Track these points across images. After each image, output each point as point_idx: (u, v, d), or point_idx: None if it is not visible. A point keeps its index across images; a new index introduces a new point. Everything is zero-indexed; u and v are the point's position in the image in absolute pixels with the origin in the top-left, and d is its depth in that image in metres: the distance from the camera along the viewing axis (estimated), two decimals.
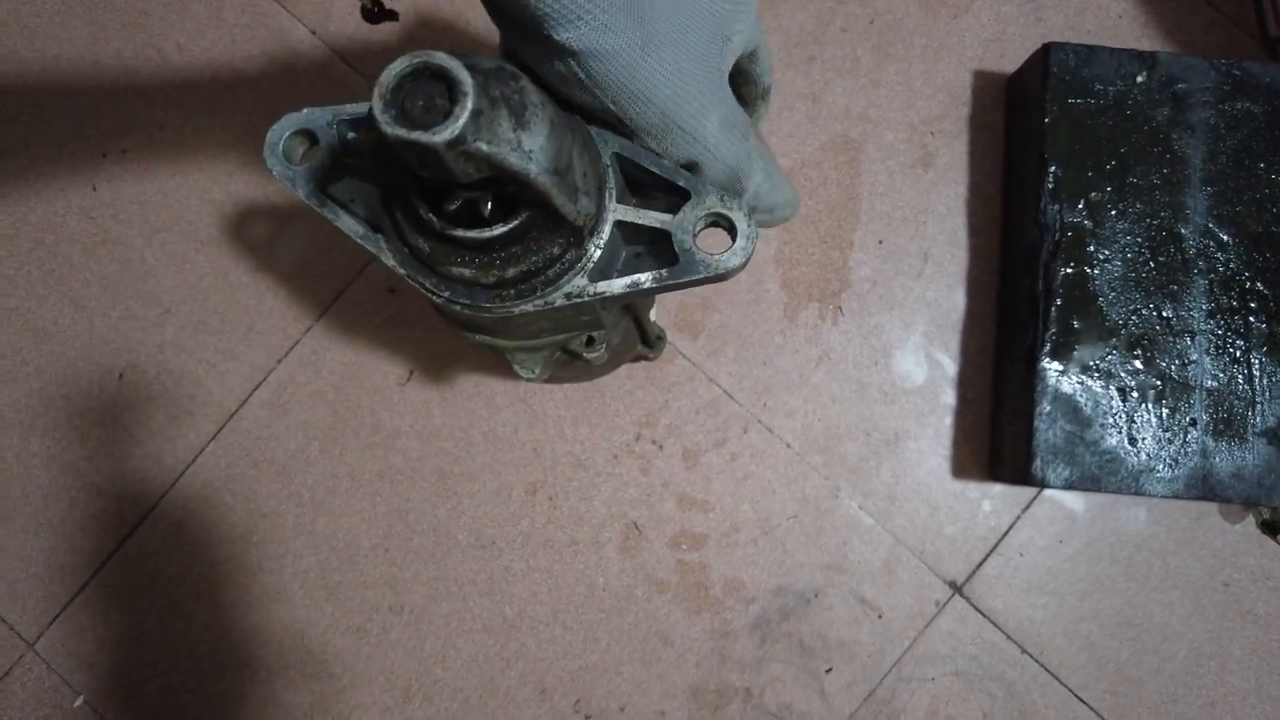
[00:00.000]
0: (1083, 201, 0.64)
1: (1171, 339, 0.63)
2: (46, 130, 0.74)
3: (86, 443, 0.71)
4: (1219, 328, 0.63)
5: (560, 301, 0.40)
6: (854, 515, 0.69)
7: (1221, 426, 0.62)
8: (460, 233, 0.36)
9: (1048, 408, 0.62)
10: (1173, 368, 0.62)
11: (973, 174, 0.72)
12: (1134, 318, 0.63)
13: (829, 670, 0.68)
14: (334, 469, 0.70)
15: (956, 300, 0.71)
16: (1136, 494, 0.61)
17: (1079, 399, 0.62)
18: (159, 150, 0.74)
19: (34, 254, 0.73)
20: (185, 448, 0.71)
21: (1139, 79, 0.65)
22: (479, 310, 0.40)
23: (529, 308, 0.40)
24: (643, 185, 0.42)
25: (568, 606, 0.69)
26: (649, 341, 0.64)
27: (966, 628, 0.68)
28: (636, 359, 0.69)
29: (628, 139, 0.39)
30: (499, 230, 0.36)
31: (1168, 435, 0.62)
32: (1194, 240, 0.63)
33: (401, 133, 0.30)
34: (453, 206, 0.36)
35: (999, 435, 0.68)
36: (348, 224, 0.41)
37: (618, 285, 0.40)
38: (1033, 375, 0.62)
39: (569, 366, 0.54)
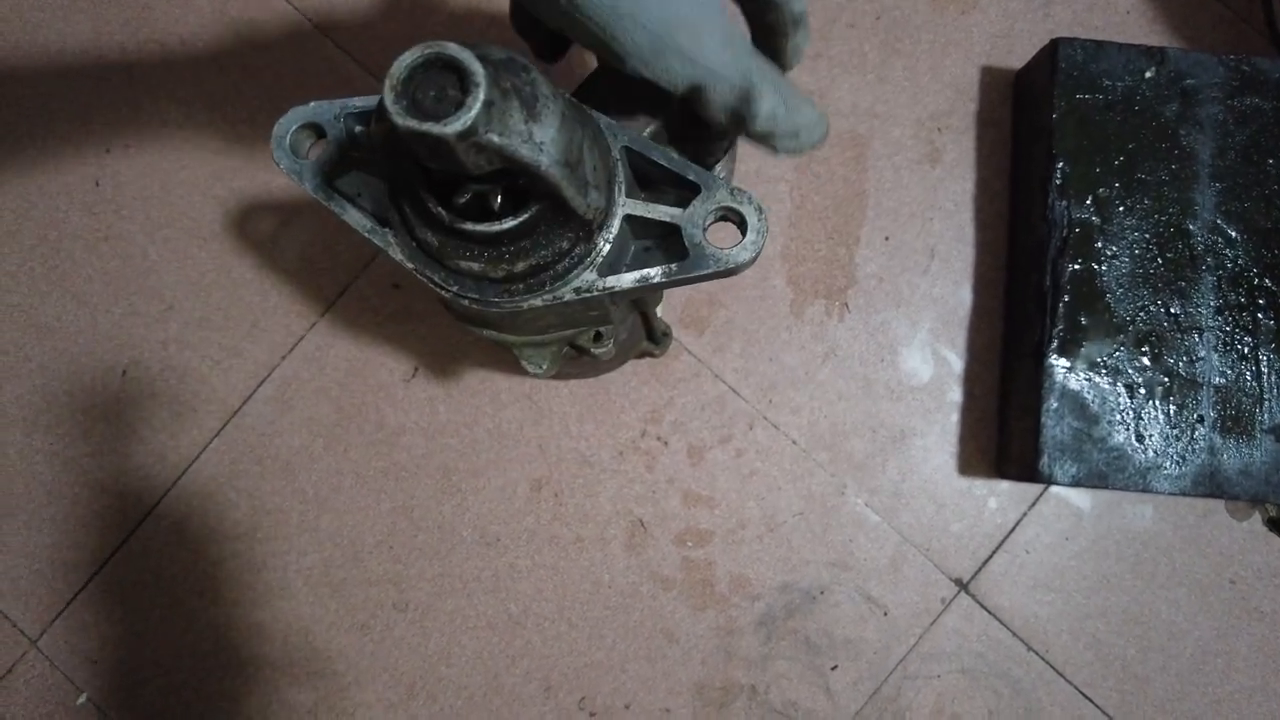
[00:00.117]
0: (1091, 197, 0.63)
1: (1179, 335, 0.62)
2: (50, 125, 0.74)
3: (90, 439, 0.71)
4: (1227, 324, 0.62)
5: (569, 296, 0.40)
6: (860, 512, 0.69)
7: (1229, 423, 0.62)
8: (469, 226, 0.36)
9: (1055, 404, 0.62)
10: (1180, 364, 0.62)
11: (980, 170, 0.72)
12: (1142, 314, 0.63)
13: (834, 667, 0.68)
14: (338, 466, 0.70)
15: (963, 297, 0.71)
16: (1144, 491, 0.61)
17: (1086, 396, 0.62)
18: (162, 145, 0.73)
19: (37, 250, 0.72)
20: (189, 444, 0.71)
21: (1147, 74, 0.64)
22: (487, 305, 0.40)
23: (538, 302, 0.40)
24: (652, 179, 0.42)
25: (573, 603, 0.68)
26: (655, 337, 0.64)
27: (972, 625, 0.68)
28: (642, 355, 0.69)
29: (622, 65, 0.37)
30: (508, 224, 0.36)
31: (1175, 432, 0.62)
32: (1202, 236, 0.63)
33: (413, 124, 0.30)
34: (462, 200, 0.36)
35: (1006, 432, 0.68)
36: (355, 218, 0.41)
37: (627, 280, 0.40)
38: (1040, 372, 0.62)
39: (575, 362, 0.54)
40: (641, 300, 0.55)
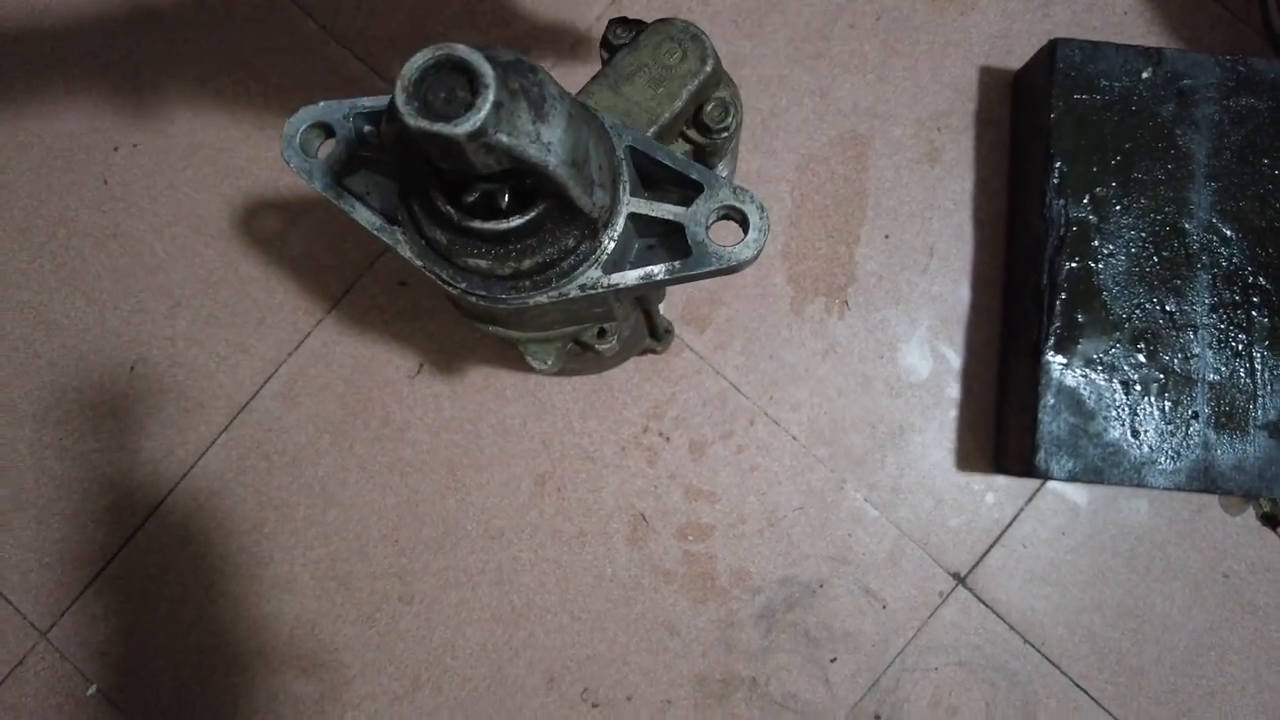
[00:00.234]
0: (1088, 197, 0.64)
1: (1174, 333, 0.63)
2: (59, 125, 0.74)
3: (99, 434, 0.72)
4: (1221, 322, 0.63)
5: (574, 293, 0.40)
6: (859, 507, 0.70)
7: (1223, 419, 0.62)
8: (478, 224, 0.37)
9: (1052, 401, 0.63)
10: (1175, 361, 0.63)
11: (979, 169, 0.73)
12: (1137, 312, 0.63)
13: (834, 660, 0.69)
14: (344, 461, 0.71)
15: (962, 295, 0.72)
16: (1139, 486, 0.62)
17: (1083, 392, 0.63)
18: (169, 144, 0.74)
19: (46, 248, 0.73)
20: (196, 440, 0.71)
21: (1144, 75, 0.65)
22: (495, 301, 0.41)
23: (544, 299, 0.40)
24: (655, 179, 0.43)
25: (576, 596, 0.69)
26: (657, 334, 0.65)
27: (970, 618, 0.69)
28: (644, 352, 0.70)
29: None
30: (516, 222, 0.37)
31: (1170, 428, 0.62)
32: (1198, 235, 0.64)
33: (424, 124, 0.30)
34: (470, 198, 0.37)
35: (1003, 428, 0.69)
36: (364, 216, 0.42)
37: (631, 277, 0.41)
38: (1037, 368, 0.63)
39: (579, 358, 0.55)
40: (645, 297, 0.55)
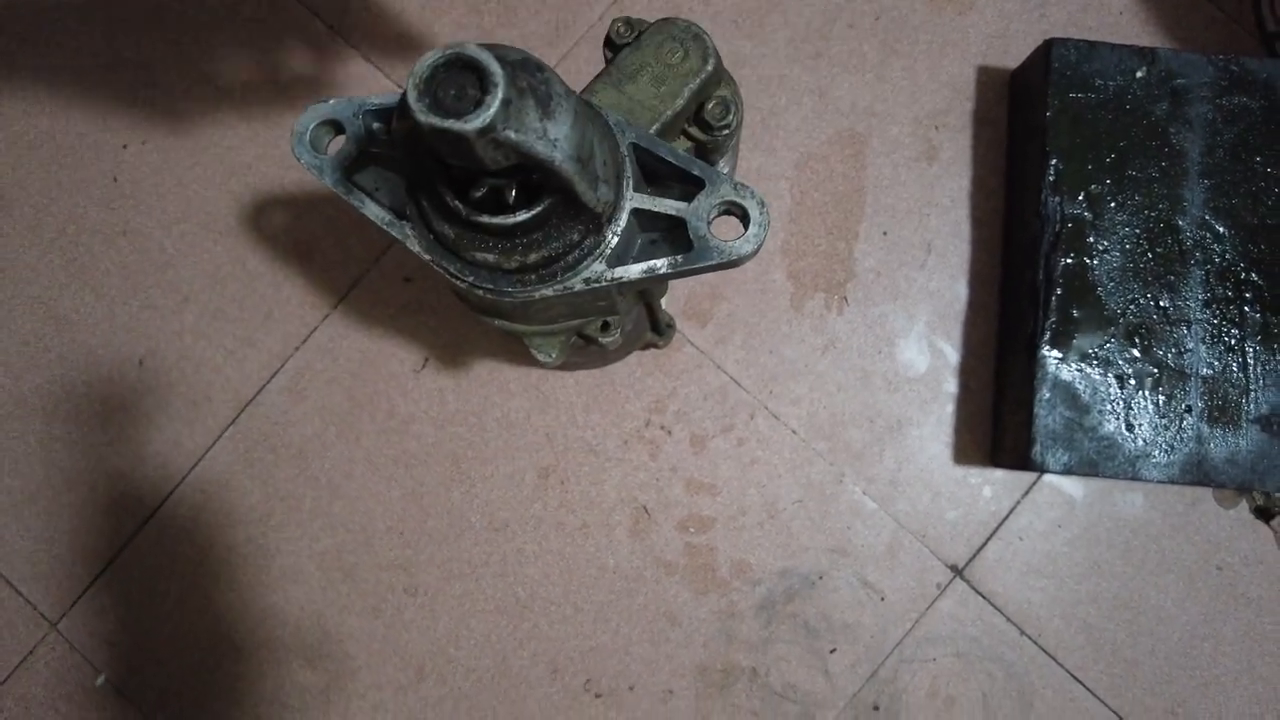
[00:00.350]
0: (1083, 194, 0.65)
1: (1168, 328, 0.64)
2: (68, 123, 0.75)
3: (108, 428, 0.73)
4: (1215, 317, 0.64)
5: (579, 286, 0.41)
6: (858, 500, 0.71)
7: (1216, 413, 0.63)
8: (485, 219, 0.38)
9: (1047, 395, 0.63)
10: (1169, 356, 0.64)
11: (976, 167, 0.74)
12: (1132, 307, 0.64)
13: (833, 651, 0.70)
14: (350, 454, 0.72)
15: (959, 291, 0.73)
16: (1133, 479, 0.63)
17: (1078, 386, 0.64)
18: (178, 142, 0.75)
19: (56, 244, 0.74)
20: (204, 433, 0.72)
21: (1139, 74, 0.66)
22: (501, 295, 0.41)
23: (549, 292, 0.41)
24: (658, 175, 0.44)
25: (579, 588, 0.70)
26: (659, 329, 0.66)
27: (967, 610, 0.70)
28: (646, 347, 0.71)
29: None
30: (522, 216, 0.38)
31: (1164, 421, 0.63)
32: (1191, 232, 0.65)
33: (435, 120, 0.31)
34: (478, 194, 0.38)
35: (1000, 422, 0.70)
36: (374, 211, 0.43)
37: (634, 270, 0.42)
38: (1033, 363, 0.64)
39: (583, 352, 0.56)
40: (647, 291, 0.56)
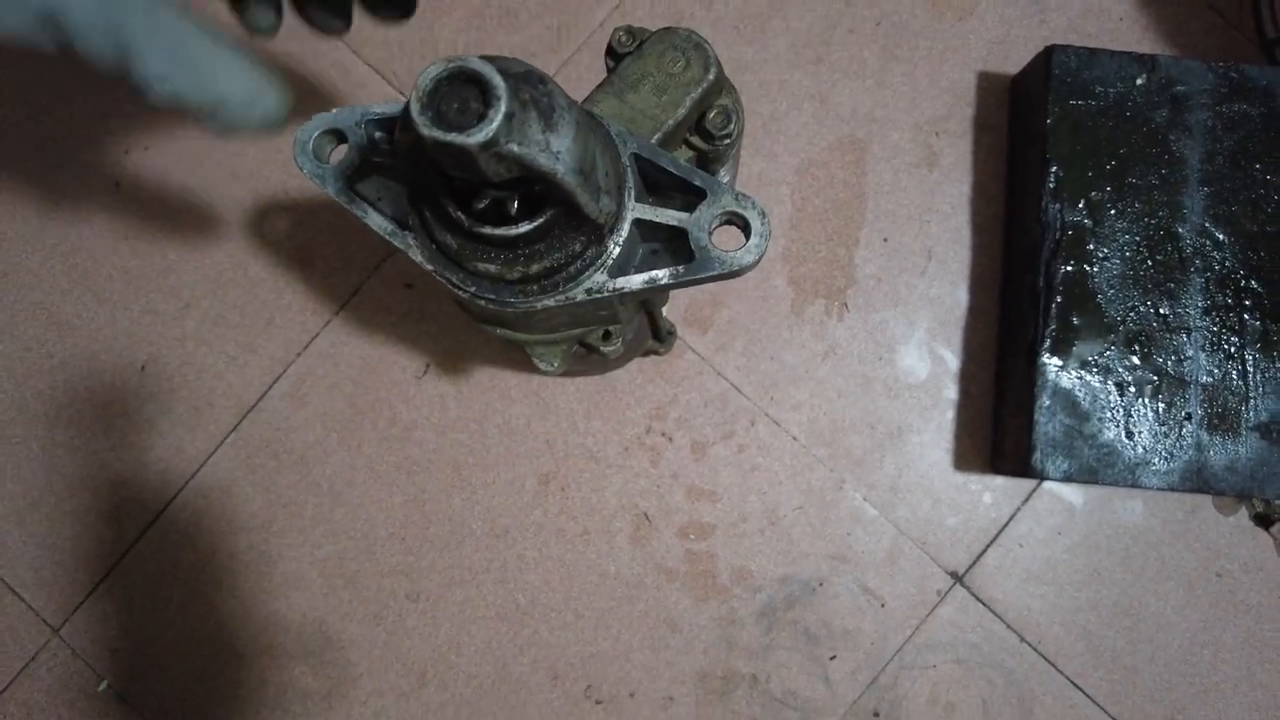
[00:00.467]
0: (1083, 201, 0.65)
1: (1168, 335, 0.64)
2: (70, 128, 0.76)
3: (110, 433, 0.73)
4: (1214, 324, 0.64)
5: (581, 296, 0.42)
6: (858, 506, 0.71)
7: (1216, 421, 0.64)
8: (488, 230, 0.38)
9: (1047, 402, 0.64)
10: (1169, 363, 0.64)
11: (976, 173, 0.74)
12: (1132, 314, 0.65)
13: (833, 657, 0.70)
14: (352, 460, 0.72)
15: (959, 297, 0.73)
16: (1133, 486, 0.63)
17: (1078, 393, 0.64)
18: (180, 148, 0.75)
19: (58, 249, 0.74)
20: (206, 439, 0.73)
21: (1139, 81, 0.66)
22: (503, 305, 0.42)
23: (551, 302, 0.42)
24: (659, 185, 0.44)
25: (579, 594, 0.70)
26: (660, 336, 0.66)
27: (967, 617, 0.70)
28: (647, 353, 0.71)
29: None
30: (525, 228, 0.38)
31: (1164, 429, 0.63)
32: (1191, 239, 0.65)
33: (438, 134, 0.32)
34: (481, 205, 0.38)
35: (1000, 429, 0.70)
36: (376, 221, 0.43)
37: (636, 281, 0.42)
38: (1033, 370, 0.64)
39: (584, 360, 0.56)
40: (649, 300, 0.57)
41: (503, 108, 0.31)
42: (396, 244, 0.42)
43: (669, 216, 0.42)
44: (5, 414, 0.73)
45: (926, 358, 0.72)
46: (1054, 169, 0.65)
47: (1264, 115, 0.66)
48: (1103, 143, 0.66)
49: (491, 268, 0.40)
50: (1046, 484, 0.71)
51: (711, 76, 0.47)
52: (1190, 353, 0.64)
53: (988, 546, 0.71)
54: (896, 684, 0.69)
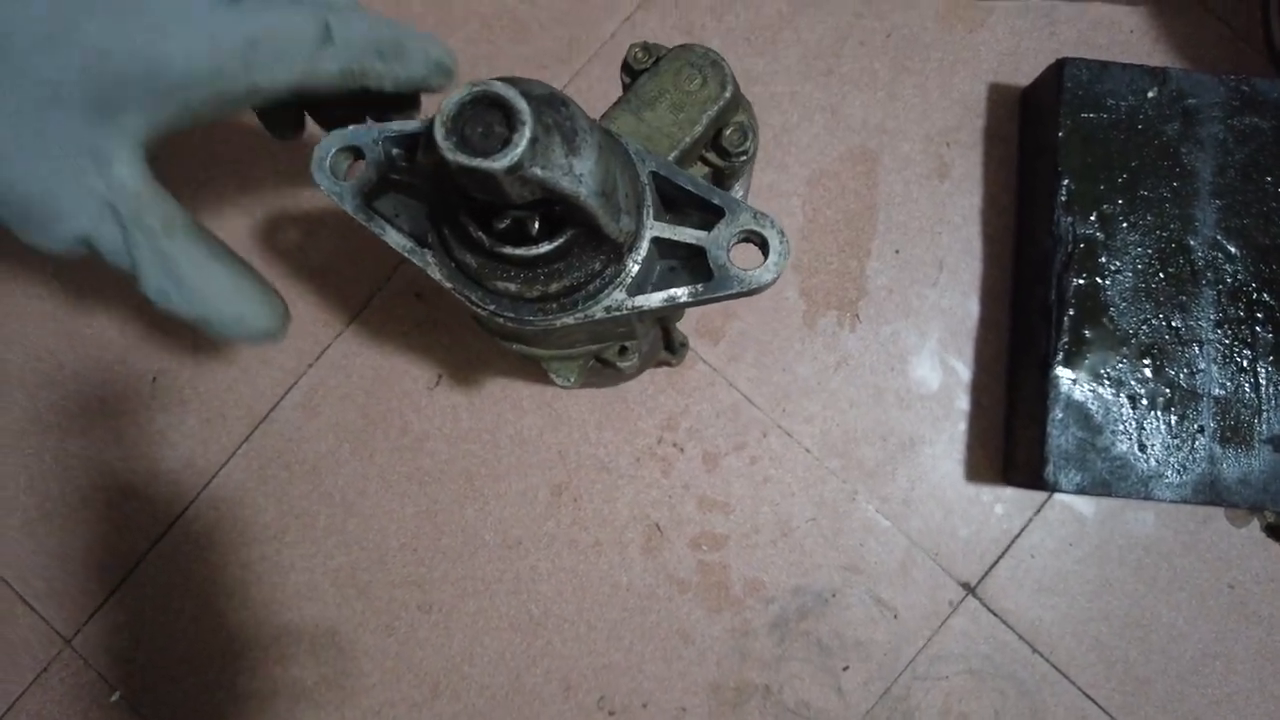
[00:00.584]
0: (1095, 214, 0.65)
1: (1180, 348, 0.64)
2: None
3: (121, 444, 0.73)
4: (1226, 337, 0.64)
5: (600, 314, 0.42)
6: (871, 518, 0.71)
7: (1228, 434, 0.64)
8: (508, 250, 0.38)
9: (1060, 414, 0.64)
10: (1181, 376, 0.64)
11: (987, 185, 0.74)
12: (1144, 327, 0.65)
13: (846, 668, 0.70)
14: (364, 471, 0.72)
15: (971, 308, 0.73)
16: (1146, 499, 0.63)
17: (1090, 406, 0.64)
18: (189, 158, 0.75)
19: (69, 258, 0.74)
20: (218, 449, 0.73)
21: (1150, 94, 0.66)
22: (522, 323, 0.42)
23: (570, 320, 0.42)
24: (676, 202, 0.44)
25: (592, 605, 0.70)
26: (672, 348, 0.66)
27: (979, 627, 0.70)
28: (659, 364, 0.71)
29: None
30: (545, 248, 0.38)
31: (1176, 442, 0.64)
32: (1203, 252, 0.65)
33: (463, 159, 0.32)
34: (502, 225, 0.38)
35: (1012, 440, 0.70)
36: (395, 238, 0.43)
37: (655, 299, 0.42)
38: (1046, 382, 0.64)
39: (598, 373, 0.56)
40: (666, 316, 0.57)
41: (527, 132, 0.32)
42: (415, 261, 0.42)
43: (687, 235, 0.42)
44: (17, 425, 0.73)
45: (938, 369, 0.72)
46: (1066, 182, 0.66)
47: (1275, 128, 0.66)
48: (1114, 155, 0.66)
49: (511, 286, 0.40)
50: (1058, 495, 0.71)
51: (728, 94, 0.47)
52: (1203, 365, 0.64)
53: (1000, 557, 0.71)
54: (909, 695, 0.70)
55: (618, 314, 0.42)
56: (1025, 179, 0.73)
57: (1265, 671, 0.69)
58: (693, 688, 0.70)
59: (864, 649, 0.70)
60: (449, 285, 0.42)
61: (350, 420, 0.72)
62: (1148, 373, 0.64)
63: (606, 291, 0.41)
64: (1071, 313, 0.64)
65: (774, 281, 0.42)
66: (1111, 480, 0.63)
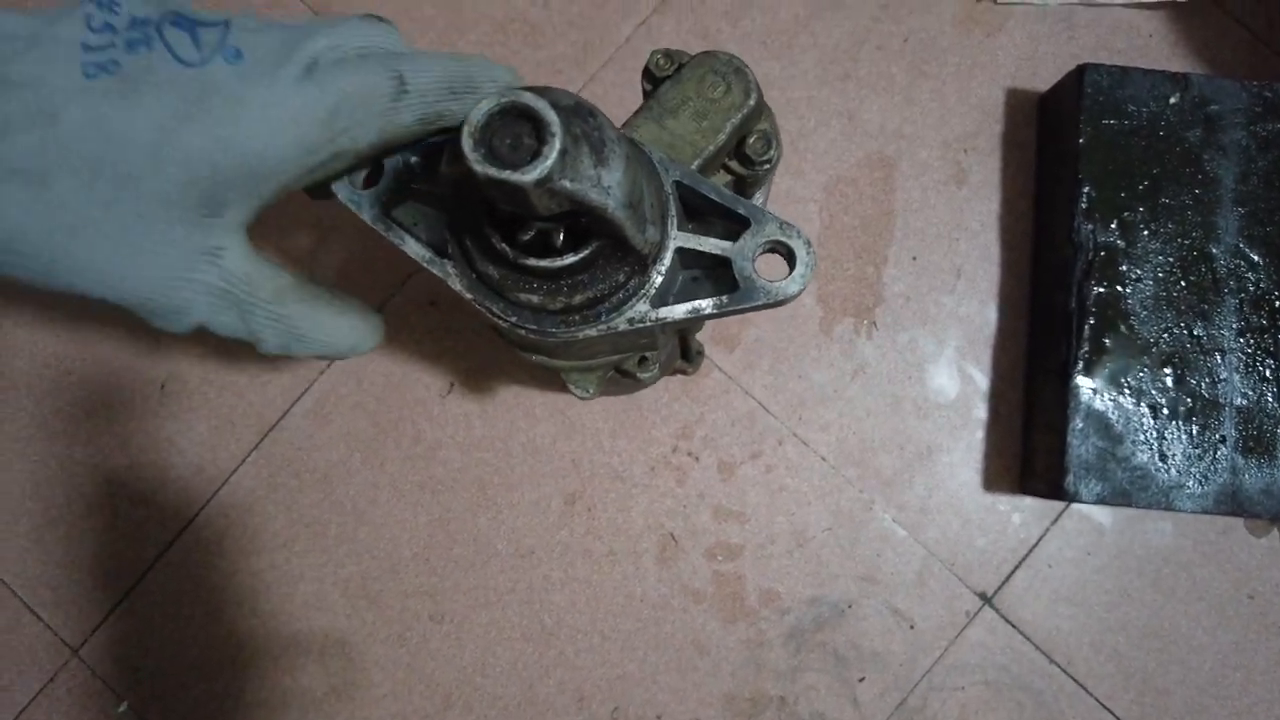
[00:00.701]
0: (1116, 221, 0.65)
1: (1202, 357, 0.64)
2: None
3: (130, 452, 0.72)
4: (1249, 346, 0.64)
5: (623, 326, 0.41)
6: (887, 527, 0.70)
7: (1250, 444, 0.63)
8: (532, 262, 0.37)
9: (1080, 424, 0.63)
10: (1203, 385, 0.63)
11: (1005, 191, 0.73)
12: (1165, 336, 0.64)
13: (862, 679, 0.69)
14: (375, 479, 0.71)
15: (989, 315, 0.72)
16: (1167, 509, 0.63)
17: (1111, 415, 0.63)
18: None
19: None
20: (227, 457, 0.72)
21: (1172, 100, 0.66)
22: (545, 335, 0.41)
23: (593, 332, 0.41)
24: (700, 211, 0.43)
25: (606, 616, 0.70)
26: (689, 356, 0.65)
27: (996, 638, 0.69)
28: (674, 372, 0.70)
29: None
30: (570, 260, 0.38)
31: (1198, 452, 0.63)
32: (1225, 260, 0.64)
33: (492, 172, 0.31)
34: (526, 237, 0.37)
35: (1030, 449, 0.69)
36: (414, 249, 0.42)
37: (679, 311, 0.41)
38: (1065, 391, 0.63)
39: (616, 382, 0.56)
40: (687, 327, 0.56)
41: (557, 144, 0.31)
42: (435, 271, 0.41)
43: (712, 245, 0.41)
44: (25, 431, 0.73)
45: (956, 377, 0.72)
46: (1086, 189, 0.65)
47: None
48: (1135, 162, 0.65)
49: (534, 298, 0.39)
50: (1076, 505, 0.70)
51: (752, 102, 0.46)
52: (1224, 375, 0.63)
53: (1017, 567, 0.70)
54: (925, 706, 0.69)
55: (641, 326, 0.41)
56: (1044, 185, 0.72)
57: None
58: (707, 699, 0.69)
59: (880, 660, 0.69)
60: (470, 296, 0.41)
61: (361, 428, 0.72)
62: (1169, 382, 0.64)
63: (630, 303, 0.41)
64: (1092, 321, 0.64)
65: (800, 293, 0.41)
66: (1132, 490, 0.62)
